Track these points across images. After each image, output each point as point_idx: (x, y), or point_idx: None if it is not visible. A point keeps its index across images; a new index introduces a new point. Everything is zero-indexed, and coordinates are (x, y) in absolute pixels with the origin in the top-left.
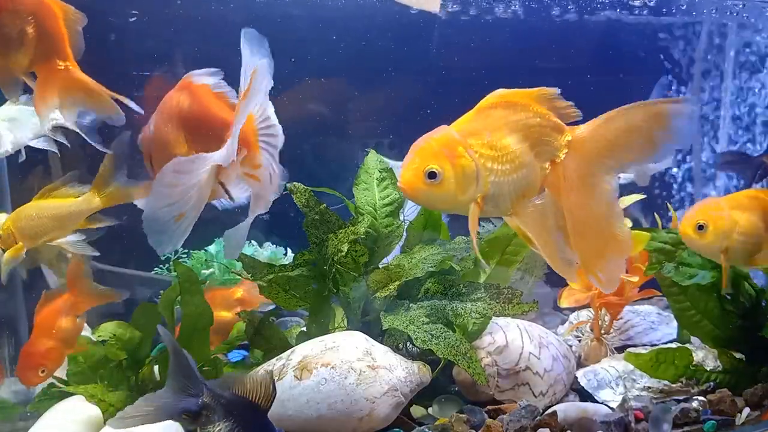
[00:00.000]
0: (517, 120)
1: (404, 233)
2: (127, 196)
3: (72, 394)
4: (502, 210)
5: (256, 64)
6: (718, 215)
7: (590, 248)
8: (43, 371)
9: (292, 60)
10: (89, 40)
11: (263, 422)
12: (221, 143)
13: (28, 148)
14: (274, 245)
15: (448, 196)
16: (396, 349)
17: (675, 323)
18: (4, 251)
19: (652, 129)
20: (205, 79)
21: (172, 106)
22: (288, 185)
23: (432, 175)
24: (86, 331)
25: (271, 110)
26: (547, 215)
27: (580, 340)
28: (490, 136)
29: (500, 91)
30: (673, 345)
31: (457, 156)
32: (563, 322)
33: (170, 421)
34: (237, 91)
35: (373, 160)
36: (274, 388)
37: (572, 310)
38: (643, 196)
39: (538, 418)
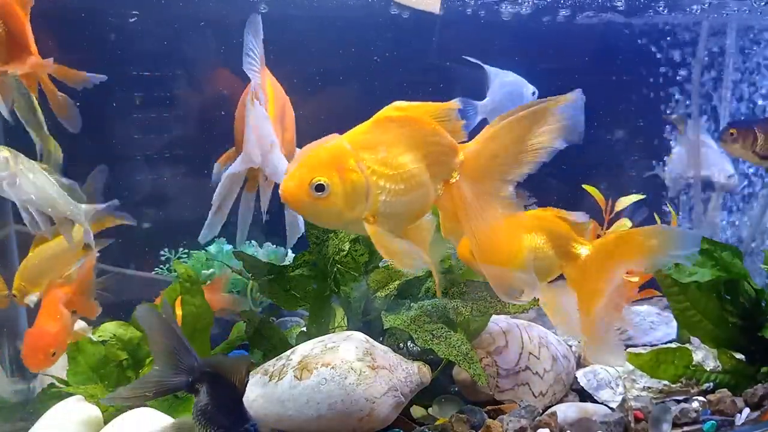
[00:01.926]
0: (416, 137)
1: None
2: (111, 220)
3: (72, 394)
4: (392, 229)
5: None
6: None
7: (497, 267)
8: (53, 353)
9: (291, 61)
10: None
11: (240, 404)
12: None
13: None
14: (275, 245)
15: (334, 211)
16: (397, 349)
17: (675, 323)
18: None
19: (542, 131)
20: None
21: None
22: None
23: (319, 187)
24: (86, 331)
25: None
26: (434, 235)
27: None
28: (385, 152)
29: (399, 103)
30: (673, 345)
31: (348, 170)
32: None
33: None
34: None
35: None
36: (248, 373)
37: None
38: (643, 196)
39: (538, 418)
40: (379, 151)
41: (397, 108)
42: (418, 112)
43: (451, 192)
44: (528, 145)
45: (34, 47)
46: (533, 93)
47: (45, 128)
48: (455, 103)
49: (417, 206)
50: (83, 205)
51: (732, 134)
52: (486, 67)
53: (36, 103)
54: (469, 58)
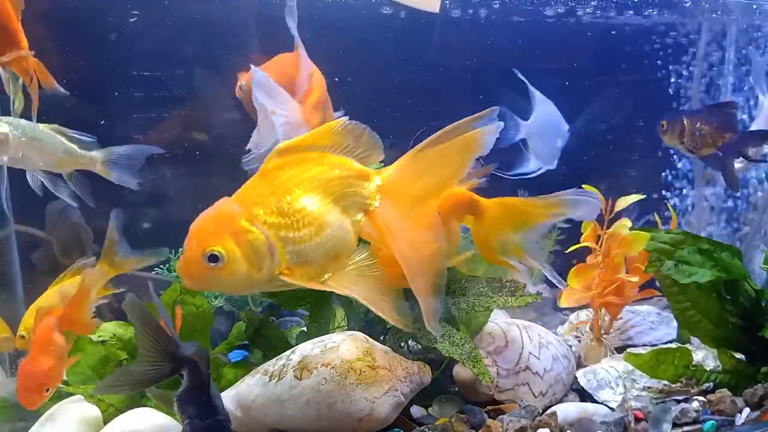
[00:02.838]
0: (311, 177)
1: None
2: (132, 264)
3: (72, 394)
4: (314, 276)
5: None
6: None
7: (433, 287)
8: (47, 390)
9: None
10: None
11: (213, 396)
12: None
13: None
14: None
15: (240, 278)
16: (398, 348)
17: (675, 323)
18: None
19: (464, 150)
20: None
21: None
22: None
23: (213, 258)
24: None
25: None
26: (368, 272)
27: (579, 340)
28: (279, 202)
29: (282, 145)
30: (673, 345)
31: (242, 232)
32: (563, 322)
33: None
34: None
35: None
36: (208, 364)
37: (572, 310)
38: (643, 196)
39: (538, 418)
40: (272, 203)
41: (282, 151)
42: (304, 147)
43: (374, 219)
44: (449, 163)
45: (23, 41)
46: (567, 130)
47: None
48: (341, 121)
49: (334, 245)
50: (95, 152)
51: (662, 126)
52: (532, 89)
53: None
54: (518, 74)
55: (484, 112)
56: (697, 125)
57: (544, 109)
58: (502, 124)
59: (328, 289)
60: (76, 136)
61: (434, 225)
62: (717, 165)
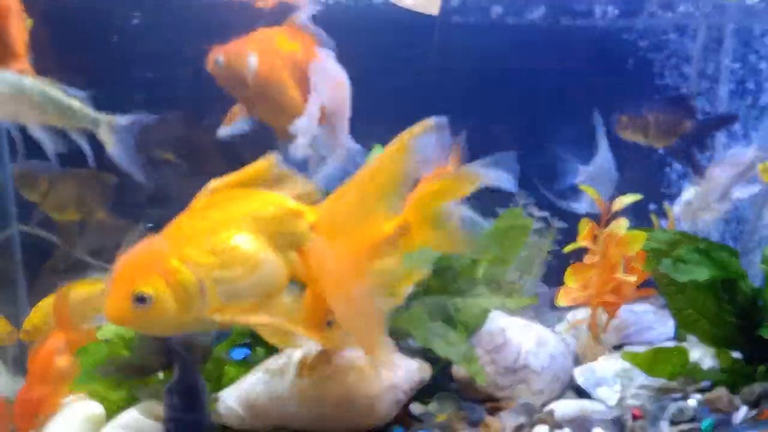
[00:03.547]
0: (244, 215)
1: None
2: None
3: (74, 392)
4: (246, 317)
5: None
6: None
7: (362, 329)
8: (37, 416)
9: None
10: None
11: (200, 392)
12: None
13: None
14: None
15: (169, 319)
16: (396, 347)
17: (672, 322)
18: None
19: (399, 169)
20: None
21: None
22: None
23: (141, 299)
24: None
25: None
26: (299, 311)
27: (577, 339)
28: (211, 241)
29: (214, 184)
30: (671, 344)
31: (172, 272)
32: (561, 321)
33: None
34: None
35: (374, 157)
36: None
37: (570, 308)
38: (640, 197)
39: (536, 415)
40: (205, 242)
41: (214, 190)
42: (233, 185)
43: (307, 258)
44: (386, 191)
45: (21, 50)
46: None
47: None
48: (271, 159)
49: (268, 284)
50: (103, 116)
51: (621, 120)
52: (600, 134)
53: None
54: (596, 116)
55: (417, 127)
56: (657, 117)
57: (605, 157)
58: (433, 124)
59: (258, 324)
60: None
61: (368, 262)
62: (680, 155)
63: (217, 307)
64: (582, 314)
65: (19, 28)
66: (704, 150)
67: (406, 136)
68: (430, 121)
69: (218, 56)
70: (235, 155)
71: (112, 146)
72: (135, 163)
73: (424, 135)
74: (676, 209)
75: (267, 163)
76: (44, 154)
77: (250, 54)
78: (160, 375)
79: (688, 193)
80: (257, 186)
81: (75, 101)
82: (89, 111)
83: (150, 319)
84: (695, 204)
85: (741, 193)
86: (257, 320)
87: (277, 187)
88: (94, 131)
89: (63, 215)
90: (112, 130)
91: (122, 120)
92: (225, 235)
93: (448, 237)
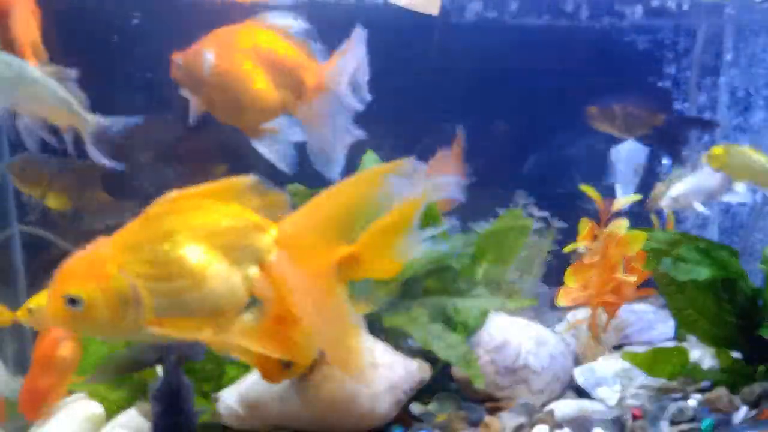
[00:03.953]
0: (196, 226)
1: None
2: None
3: (75, 392)
4: (189, 333)
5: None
6: None
7: (338, 344)
8: (44, 406)
9: None
10: None
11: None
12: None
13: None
14: None
15: (101, 325)
16: (397, 347)
17: (672, 322)
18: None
19: (371, 199)
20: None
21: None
22: (288, 187)
23: (72, 301)
24: None
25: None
26: (256, 330)
27: (577, 339)
28: (154, 250)
29: (173, 194)
30: (671, 343)
31: (106, 277)
32: (561, 321)
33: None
34: None
35: (370, 160)
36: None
37: (570, 308)
38: (640, 197)
39: (536, 415)
40: (146, 250)
41: (170, 200)
42: (197, 198)
43: (270, 274)
44: (354, 215)
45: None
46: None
47: None
48: (248, 179)
49: (216, 300)
50: (92, 117)
51: (592, 111)
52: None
53: None
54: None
55: (394, 164)
56: (627, 109)
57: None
58: (411, 165)
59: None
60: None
61: (336, 286)
62: (659, 145)
63: (153, 318)
64: (582, 314)
65: (32, 24)
66: (684, 142)
67: (379, 171)
68: (406, 163)
69: (177, 59)
70: (235, 156)
71: (91, 144)
72: (109, 160)
73: (397, 174)
74: (663, 203)
75: (236, 180)
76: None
77: (206, 52)
78: (158, 369)
79: (675, 189)
80: (221, 199)
81: (73, 99)
82: (83, 111)
83: (82, 322)
84: (681, 201)
85: (730, 197)
86: (200, 337)
87: (244, 198)
88: (80, 131)
89: (63, 207)
90: (98, 130)
91: (109, 122)
92: (171, 246)
93: (392, 268)
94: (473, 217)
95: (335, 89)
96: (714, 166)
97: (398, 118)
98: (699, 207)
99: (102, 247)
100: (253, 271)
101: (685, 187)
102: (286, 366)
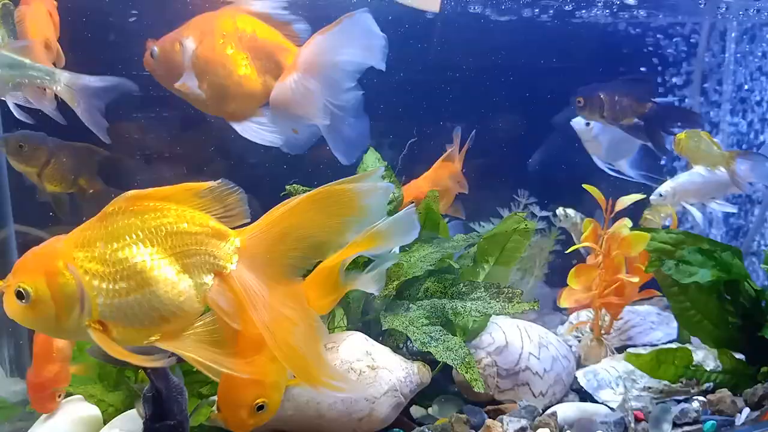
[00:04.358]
0: (149, 228)
1: None
2: None
3: (72, 394)
4: (135, 338)
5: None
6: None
7: (300, 359)
8: (60, 395)
9: None
10: None
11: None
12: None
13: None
14: None
15: (47, 320)
16: (396, 349)
17: (675, 323)
18: None
19: (341, 213)
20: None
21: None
22: (287, 186)
23: (19, 295)
24: None
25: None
26: (207, 341)
27: (579, 340)
28: (103, 248)
29: (131, 193)
30: (673, 345)
31: (54, 273)
32: (563, 322)
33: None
34: None
35: (371, 158)
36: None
37: (576, 309)
38: (643, 197)
39: (538, 418)
40: (96, 248)
41: (126, 199)
42: (158, 198)
43: (228, 284)
44: (322, 228)
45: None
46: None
47: None
48: (213, 183)
49: (162, 305)
50: (60, 71)
51: (579, 101)
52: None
53: None
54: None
55: (366, 173)
56: (615, 98)
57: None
58: (386, 185)
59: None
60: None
61: (301, 298)
62: (642, 134)
63: (97, 320)
64: (585, 316)
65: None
66: (666, 132)
67: (349, 186)
68: (381, 184)
69: (153, 48)
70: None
71: (76, 106)
72: (100, 126)
73: (366, 190)
74: (652, 197)
75: (195, 184)
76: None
77: (186, 38)
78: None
79: (664, 186)
80: (183, 202)
81: (25, 56)
82: (41, 66)
83: (31, 316)
84: (669, 199)
85: (716, 206)
86: (145, 344)
87: (203, 202)
88: (52, 88)
89: (60, 188)
90: (74, 88)
91: (87, 80)
92: (119, 246)
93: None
94: (474, 217)
95: (307, 71)
96: (677, 150)
97: (398, 118)
98: (696, 213)
99: (58, 242)
100: (208, 279)
101: (674, 185)
102: (259, 408)
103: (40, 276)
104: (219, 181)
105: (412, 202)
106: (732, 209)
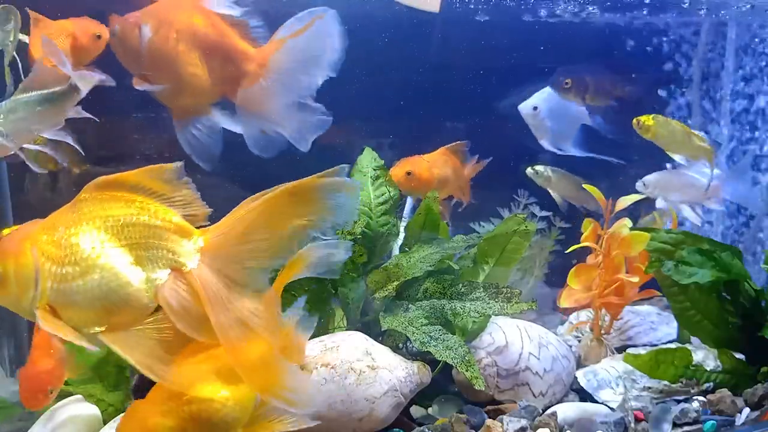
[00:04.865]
0: (108, 216)
1: (403, 232)
2: None
3: (71, 394)
4: (79, 325)
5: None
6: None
7: (259, 368)
8: (51, 391)
9: None
10: None
11: None
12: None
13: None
14: None
15: (12, 300)
16: (396, 349)
17: (675, 323)
18: None
19: (306, 211)
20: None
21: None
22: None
23: None
24: None
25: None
26: (153, 337)
27: (579, 340)
28: (63, 233)
29: (102, 179)
30: (673, 345)
31: (21, 253)
32: (563, 322)
33: None
34: None
35: (366, 158)
36: None
37: (572, 310)
38: (643, 197)
39: (538, 418)
40: (57, 232)
41: (97, 185)
42: (127, 186)
43: (188, 282)
44: (288, 227)
45: None
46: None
47: None
48: (174, 165)
49: (104, 294)
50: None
51: (567, 83)
52: None
53: None
54: None
55: (330, 170)
56: (599, 80)
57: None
58: (352, 182)
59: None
60: None
61: (269, 305)
62: (611, 117)
63: (46, 303)
64: (585, 316)
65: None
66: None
67: (315, 183)
68: (347, 182)
69: (114, 25)
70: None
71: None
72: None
73: (336, 191)
74: (637, 184)
75: (167, 167)
76: None
77: (144, 25)
78: None
79: (648, 177)
80: (149, 192)
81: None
82: (61, 89)
83: (2, 294)
84: (651, 190)
85: (696, 214)
86: (70, 338)
87: (173, 185)
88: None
89: (50, 167)
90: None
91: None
92: (74, 230)
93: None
94: (474, 217)
95: (276, 74)
96: (645, 135)
97: (396, 117)
98: (690, 214)
99: (35, 225)
100: (163, 275)
101: (659, 177)
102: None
103: (10, 256)
104: (179, 162)
105: (409, 173)
106: (697, 222)
